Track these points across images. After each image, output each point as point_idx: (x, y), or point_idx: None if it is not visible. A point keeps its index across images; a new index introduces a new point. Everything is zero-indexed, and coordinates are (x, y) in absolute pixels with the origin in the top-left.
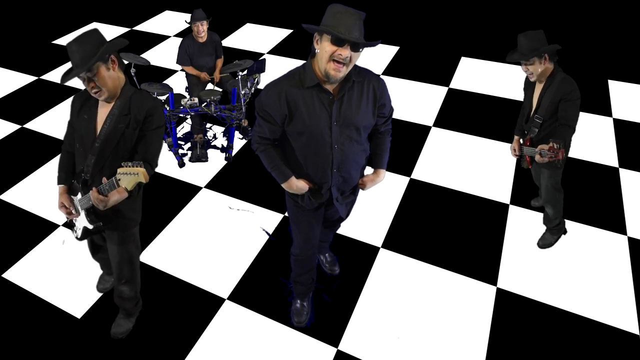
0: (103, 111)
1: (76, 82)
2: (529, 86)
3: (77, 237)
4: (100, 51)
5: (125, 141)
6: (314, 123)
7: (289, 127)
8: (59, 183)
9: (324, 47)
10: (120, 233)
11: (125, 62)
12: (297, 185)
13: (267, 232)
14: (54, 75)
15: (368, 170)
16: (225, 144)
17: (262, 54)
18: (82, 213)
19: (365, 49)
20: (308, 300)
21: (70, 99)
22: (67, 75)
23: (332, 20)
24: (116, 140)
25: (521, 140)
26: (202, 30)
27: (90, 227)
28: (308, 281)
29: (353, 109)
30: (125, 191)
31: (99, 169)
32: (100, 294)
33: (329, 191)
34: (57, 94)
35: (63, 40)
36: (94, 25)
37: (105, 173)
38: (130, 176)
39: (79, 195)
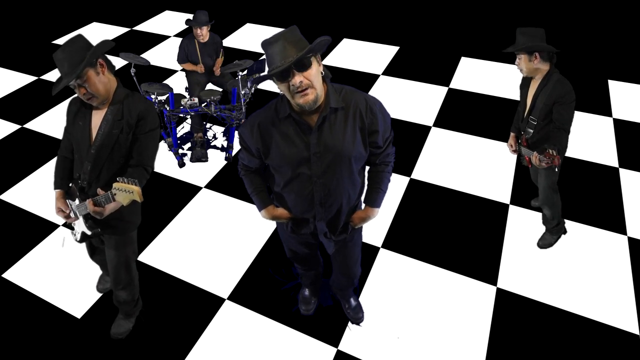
0: (97, 117)
1: None
2: (524, 85)
3: (76, 240)
4: (87, 56)
5: (120, 146)
6: (290, 156)
7: (267, 160)
8: (55, 188)
9: (280, 88)
10: (118, 237)
11: (125, 62)
12: (275, 214)
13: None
14: (54, 75)
15: None
16: (225, 144)
17: (262, 54)
18: (80, 218)
19: (364, 48)
20: (316, 289)
21: (69, 99)
22: (57, 85)
23: (268, 59)
24: (111, 146)
25: (519, 140)
26: (201, 34)
27: (89, 233)
28: (311, 277)
29: (336, 138)
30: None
31: (96, 175)
32: (100, 294)
33: (314, 225)
34: (57, 94)
35: (63, 41)
36: (94, 25)
37: (102, 179)
38: (125, 193)
39: (77, 201)
